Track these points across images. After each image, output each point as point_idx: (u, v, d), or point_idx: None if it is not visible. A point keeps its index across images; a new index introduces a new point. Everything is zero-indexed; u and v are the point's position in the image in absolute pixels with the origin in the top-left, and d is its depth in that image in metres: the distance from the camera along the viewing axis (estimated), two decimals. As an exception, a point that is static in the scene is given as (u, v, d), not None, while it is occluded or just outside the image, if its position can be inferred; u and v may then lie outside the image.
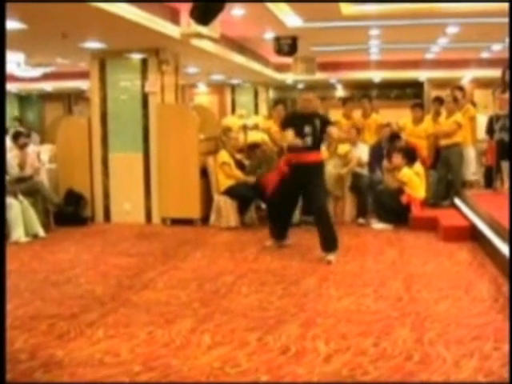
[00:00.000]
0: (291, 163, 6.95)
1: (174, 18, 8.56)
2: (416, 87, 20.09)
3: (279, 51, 11.58)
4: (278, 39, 11.45)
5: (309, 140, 6.80)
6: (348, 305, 5.10)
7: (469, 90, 10.85)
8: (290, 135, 6.81)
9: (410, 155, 8.80)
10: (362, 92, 16.61)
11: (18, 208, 8.08)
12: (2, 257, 4.05)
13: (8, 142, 10.10)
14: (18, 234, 8.01)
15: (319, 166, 7.01)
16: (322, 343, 4.17)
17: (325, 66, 16.92)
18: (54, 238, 8.36)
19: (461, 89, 10.24)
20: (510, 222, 6.90)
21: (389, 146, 9.17)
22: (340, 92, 21.02)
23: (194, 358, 3.96)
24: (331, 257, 6.65)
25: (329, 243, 6.75)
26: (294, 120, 7.04)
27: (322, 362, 3.84)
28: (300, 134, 6.79)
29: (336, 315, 4.81)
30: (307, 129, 6.82)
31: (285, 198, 7.18)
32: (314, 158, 6.91)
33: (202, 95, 20.67)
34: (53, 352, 4.08)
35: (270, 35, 11.41)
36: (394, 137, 9.33)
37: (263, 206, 9.12)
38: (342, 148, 9.09)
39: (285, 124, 7.11)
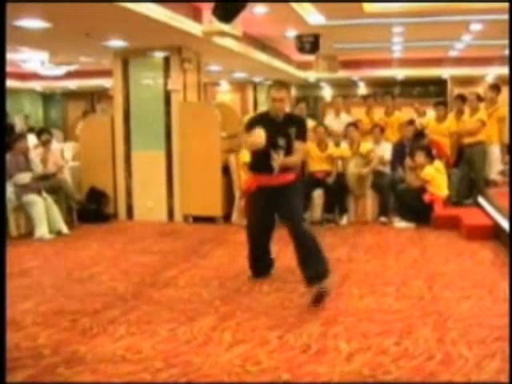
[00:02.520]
0: (258, 185, 5.53)
1: (197, 16, 8.58)
2: (439, 85, 19.93)
3: (301, 49, 11.56)
4: (300, 37, 11.43)
5: (282, 155, 5.22)
6: (369, 303, 5.09)
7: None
8: (257, 135, 5.10)
9: (429, 153, 8.74)
10: (384, 90, 16.50)
11: (41, 205, 8.16)
12: (2, 257, 4.07)
13: (33, 139, 10.21)
14: (41, 230, 8.09)
15: (295, 187, 5.45)
16: (343, 342, 4.16)
17: (347, 64, 16.87)
18: (77, 235, 8.43)
19: (496, 87, 10.01)
20: (510, 222, 6.87)
21: (412, 144, 9.11)
22: (362, 90, 20.93)
23: (215, 355, 3.97)
24: (326, 284, 5.13)
25: (321, 270, 5.15)
26: (260, 125, 5.20)
27: (343, 361, 3.83)
28: (270, 147, 5.18)
29: (357, 314, 4.79)
30: (281, 141, 5.25)
31: (258, 224, 5.77)
32: (288, 179, 5.40)
33: (224, 93, 20.70)
34: (75, 348, 4.12)
35: (292, 33, 11.39)
36: (418, 135, 9.27)
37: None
38: (364, 146, 9.06)
39: (249, 127, 5.36)
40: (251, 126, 5.27)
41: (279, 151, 5.19)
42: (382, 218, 8.88)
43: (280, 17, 9.85)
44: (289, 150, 5.23)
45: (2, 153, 7.57)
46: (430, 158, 8.69)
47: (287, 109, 5.52)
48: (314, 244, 5.19)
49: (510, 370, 3.55)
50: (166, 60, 9.46)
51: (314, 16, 10.21)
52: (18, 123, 11.88)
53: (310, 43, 11.45)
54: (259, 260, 5.95)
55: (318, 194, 8.90)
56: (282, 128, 5.26)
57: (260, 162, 5.34)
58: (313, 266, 5.15)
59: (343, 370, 3.70)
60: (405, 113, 10.83)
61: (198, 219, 9.31)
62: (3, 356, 3.02)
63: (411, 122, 9.63)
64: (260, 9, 9.06)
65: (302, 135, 5.33)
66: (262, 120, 5.32)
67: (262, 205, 5.56)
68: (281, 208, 5.42)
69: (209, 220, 9.16)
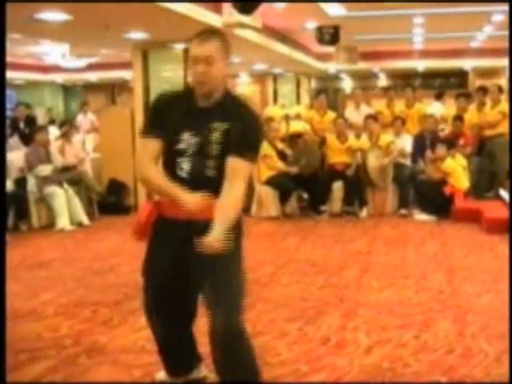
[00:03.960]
0: (165, 216, 3.03)
1: (217, 8, 8.57)
2: (460, 76, 19.80)
3: (321, 40, 11.54)
4: (320, 28, 11.41)
5: (211, 167, 2.86)
6: (389, 296, 5.07)
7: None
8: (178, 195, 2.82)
9: (450, 145, 8.68)
10: (405, 82, 16.41)
11: (62, 197, 8.22)
12: (2, 256, 4.10)
13: (55, 131, 10.28)
14: (63, 222, 8.15)
15: (234, 231, 2.92)
16: (362, 335, 4.16)
17: (367, 56, 16.79)
18: (97, 226, 8.49)
19: None
20: (510, 222, 6.82)
21: (432, 136, 9.05)
22: (383, 82, 20.83)
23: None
24: None
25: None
26: (171, 115, 2.89)
27: (362, 354, 3.83)
28: (182, 152, 2.87)
29: (377, 307, 4.79)
30: (208, 148, 2.85)
31: (157, 293, 3.12)
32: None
33: (244, 85, 20.70)
34: (96, 338, 4.16)
35: (312, 25, 11.36)
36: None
37: (305, 196, 9.11)
38: (384, 138, 9.01)
39: (149, 124, 2.96)
40: (155, 117, 2.94)
41: (208, 162, 2.84)
42: (402, 211, 8.84)
43: (300, 8, 9.82)
44: (219, 157, 2.82)
45: (3, 152, 7.56)
46: (451, 150, 8.63)
47: (227, 84, 2.95)
48: (243, 355, 2.98)
49: (510, 369, 3.53)
50: (186, 52, 9.46)
51: (334, 7, 10.17)
52: (40, 115, 11.97)
53: (330, 34, 11.42)
54: (172, 352, 3.30)
55: (337, 187, 8.88)
56: (210, 121, 2.83)
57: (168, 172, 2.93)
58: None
59: (362, 362, 3.70)
60: (426, 105, 10.76)
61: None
62: (3, 356, 3.04)
63: (431, 115, 9.57)
64: (280, 1, 9.03)
65: (247, 144, 2.82)
66: (174, 105, 2.92)
67: (167, 256, 3.01)
68: (200, 276, 2.93)
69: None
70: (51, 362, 3.75)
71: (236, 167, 2.79)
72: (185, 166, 2.86)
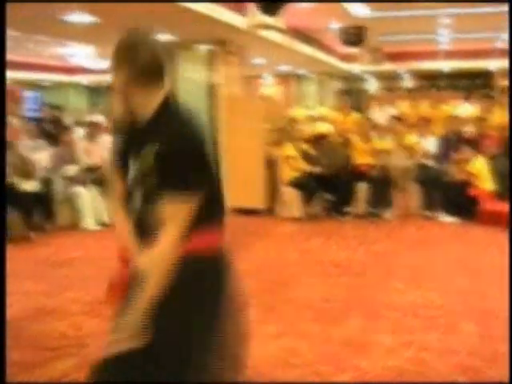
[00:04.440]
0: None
1: (241, 9, 8.59)
2: (485, 77, 19.61)
3: (345, 41, 11.51)
4: (344, 29, 11.38)
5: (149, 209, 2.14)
6: (413, 298, 5.04)
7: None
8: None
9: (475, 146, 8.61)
10: (430, 82, 16.31)
11: (87, 197, 8.29)
12: (2, 257, 4.13)
13: (81, 132, 10.37)
14: (87, 222, 8.22)
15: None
16: (385, 336, 4.14)
17: (392, 56, 16.72)
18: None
19: None
20: (510, 223, 6.73)
21: (457, 137, 8.98)
22: (407, 82, 20.70)
23: (259, 347, 3.98)
24: None
25: None
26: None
27: (386, 356, 3.81)
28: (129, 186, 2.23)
29: (401, 308, 4.76)
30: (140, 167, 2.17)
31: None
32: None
33: (268, 86, 20.69)
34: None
35: (336, 25, 11.33)
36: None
37: (329, 197, 9.07)
38: (409, 139, 8.96)
39: (112, 159, 2.33)
40: (114, 145, 2.33)
41: (144, 213, 2.19)
42: (427, 212, 8.78)
43: (324, 9, 9.80)
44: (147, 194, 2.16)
45: (3, 153, 7.59)
46: (476, 151, 8.56)
47: (151, 102, 2.17)
48: None
49: (510, 369, 3.49)
50: (211, 53, 9.51)
51: (358, 8, 10.13)
52: (66, 116, 12.10)
53: (355, 35, 11.39)
54: None
55: (361, 188, 8.84)
56: (142, 143, 2.15)
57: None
58: None
59: (386, 364, 3.68)
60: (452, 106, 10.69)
61: (241, 212, 9.33)
62: (3, 356, 3.06)
63: (456, 116, 9.50)
64: (304, 1, 9.03)
65: (171, 177, 2.08)
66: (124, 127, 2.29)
67: None
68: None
69: (252, 212, 9.18)
70: (75, 360, 3.78)
71: (168, 211, 2.07)
72: (133, 205, 2.23)
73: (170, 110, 2.16)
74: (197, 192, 2.08)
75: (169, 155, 2.04)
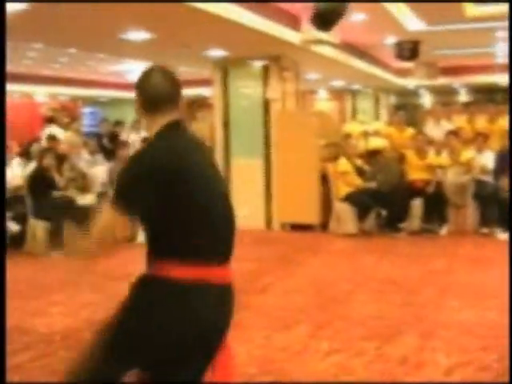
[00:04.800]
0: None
1: (295, 25, 8.64)
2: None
3: (400, 56, 11.43)
4: (399, 44, 11.30)
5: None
6: (470, 317, 4.95)
7: None
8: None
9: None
10: (486, 96, 16.05)
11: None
12: (2, 260, 4.20)
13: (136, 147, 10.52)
14: (143, 236, 8.32)
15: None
16: (442, 355, 4.07)
17: (447, 70, 16.51)
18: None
19: None
20: (510, 223, 6.53)
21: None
22: (463, 97, 20.42)
23: (311, 363, 3.98)
24: None
25: None
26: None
27: (442, 375, 3.76)
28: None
29: (457, 327, 4.68)
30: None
31: None
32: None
33: (323, 101, 20.68)
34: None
35: (390, 40, 11.27)
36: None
37: (383, 213, 8.99)
38: (465, 155, 8.83)
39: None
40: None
41: None
42: (484, 229, 8.62)
43: (378, 23, 9.76)
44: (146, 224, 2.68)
45: (3, 154, 7.65)
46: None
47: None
48: None
49: (510, 370, 3.40)
50: (265, 69, 9.56)
51: (413, 22, 10.06)
52: (124, 132, 12.32)
53: (410, 50, 11.30)
54: None
55: (416, 204, 8.75)
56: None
57: None
58: None
59: (442, 384, 3.63)
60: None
61: (295, 227, 9.34)
62: (3, 356, 3.11)
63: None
64: (358, 16, 9.01)
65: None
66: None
67: None
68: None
69: (306, 228, 9.17)
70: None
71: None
72: None
73: (160, 134, 2.40)
74: (125, 209, 2.42)
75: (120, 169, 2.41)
